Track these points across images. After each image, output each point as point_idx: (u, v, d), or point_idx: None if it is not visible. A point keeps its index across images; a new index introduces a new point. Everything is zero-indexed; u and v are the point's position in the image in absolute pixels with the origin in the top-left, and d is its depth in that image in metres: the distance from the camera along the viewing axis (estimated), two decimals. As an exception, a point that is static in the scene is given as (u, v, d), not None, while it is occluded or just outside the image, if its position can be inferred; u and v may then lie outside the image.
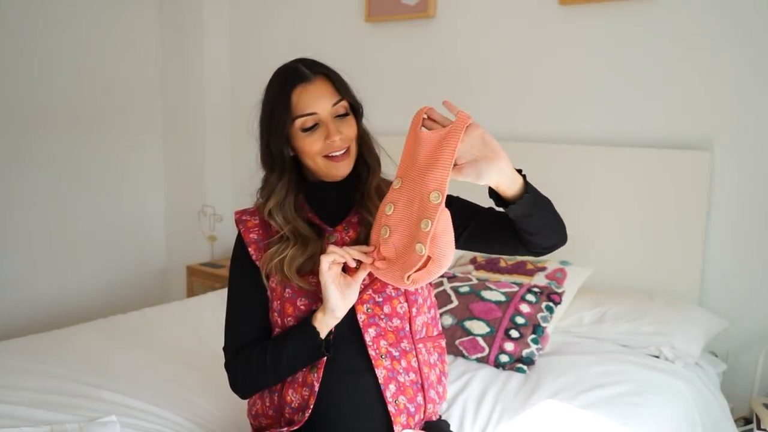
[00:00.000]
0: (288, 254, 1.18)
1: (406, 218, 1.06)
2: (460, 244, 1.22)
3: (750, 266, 2.03)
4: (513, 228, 1.13)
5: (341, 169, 1.18)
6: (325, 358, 1.17)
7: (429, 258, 1.04)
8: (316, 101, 1.16)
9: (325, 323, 1.14)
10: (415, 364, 1.22)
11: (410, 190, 1.06)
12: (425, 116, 1.07)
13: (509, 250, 1.20)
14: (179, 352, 1.89)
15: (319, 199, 1.24)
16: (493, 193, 1.09)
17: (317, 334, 1.14)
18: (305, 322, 1.16)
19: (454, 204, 1.24)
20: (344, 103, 1.18)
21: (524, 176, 1.07)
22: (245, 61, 3.32)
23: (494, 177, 1.01)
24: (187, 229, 3.42)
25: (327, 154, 1.17)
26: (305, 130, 1.16)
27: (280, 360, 1.17)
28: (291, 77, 1.18)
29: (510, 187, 1.04)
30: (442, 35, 2.61)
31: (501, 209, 1.10)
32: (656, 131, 2.16)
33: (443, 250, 1.04)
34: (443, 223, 1.03)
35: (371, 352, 1.18)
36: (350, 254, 1.11)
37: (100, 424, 1.41)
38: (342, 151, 1.17)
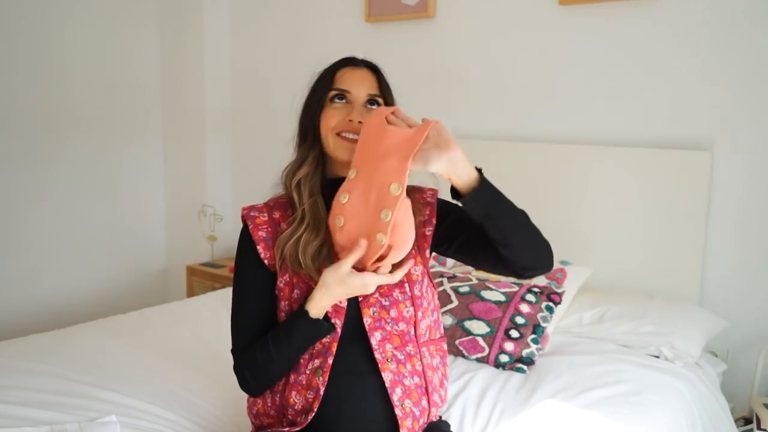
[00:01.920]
0: (302, 237, 1.17)
1: (362, 207, 1.08)
2: (450, 253, 1.26)
3: (750, 266, 2.03)
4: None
5: (348, 152, 1.17)
6: (331, 361, 1.16)
7: (390, 246, 1.07)
8: (354, 83, 1.20)
9: (319, 301, 1.14)
10: (420, 368, 1.21)
11: (366, 180, 1.08)
12: (390, 113, 1.11)
13: (493, 268, 1.20)
14: (179, 352, 1.89)
15: (333, 196, 1.22)
16: (454, 193, 1.10)
17: (319, 320, 1.14)
18: (300, 313, 1.15)
19: (451, 213, 1.25)
20: (380, 100, 1.22)
21: (482, 174, 1.09)
22: (245, 61, 3.32)
23: (442, 165, 1.04)
24: (187, 229, 3.42)
25: (340, 131, 1.18)
26: (333, 100, 1.20)
27: (285, 348, 1.16)
28: (344, 61, 1.25)
29: (463, 180, 1.06)
30: (442, 35, 2.61)
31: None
32: (656, 131, 2.16)
33: (403, 238, 1.07)
34: (403, 212, 1.06)
35: (378, 356, 1.17)
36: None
37: (100, 424, 1.41)
38: (355, 136, 1.16)
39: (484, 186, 1.07)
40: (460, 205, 1.10)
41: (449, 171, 1.05)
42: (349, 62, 1.23)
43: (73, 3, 3.04)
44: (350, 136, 1.17)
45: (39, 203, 3.02)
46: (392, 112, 1.11)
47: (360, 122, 1.16)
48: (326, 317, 1.16)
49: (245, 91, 3.33)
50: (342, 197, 1.10)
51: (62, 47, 3.03)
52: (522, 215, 1.14)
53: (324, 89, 1.21)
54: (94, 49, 3.14)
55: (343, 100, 1.20)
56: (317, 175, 1.22)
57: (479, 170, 1.09)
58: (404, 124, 1.09)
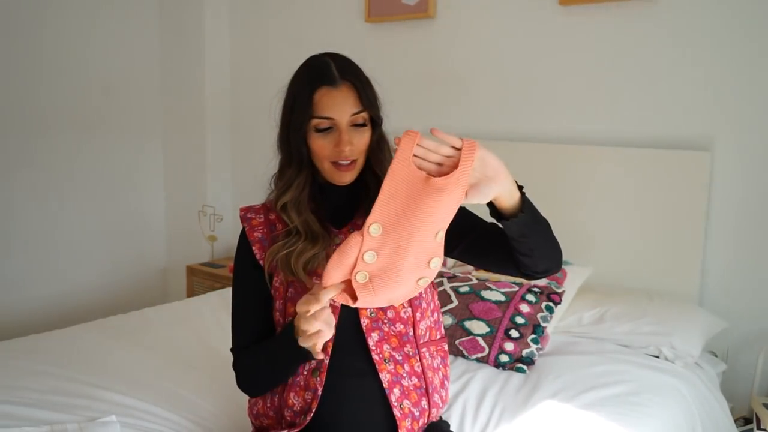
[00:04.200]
0: (297, 248, 1.17)
1: (395, 263, 0.99)
2: (454, 255, 1.22)
3: (750, 266, 2.03)
4: (509, 248, 1.11)
5: (344, 177, 1.17)
6: (328, 361, 1.17)
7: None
8: (336, 107, 1.14)
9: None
10: (419, 369, 1.21)
11: (401, 237, 0.98)
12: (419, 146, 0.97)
13: (502, 270, 1.18)
14: (179, 352, 1.89)
15: (327, 200, 1.23)
16: (490, 206, 1.07)
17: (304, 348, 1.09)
18: (290, 329, 1.12)
19: (457, 213, 1.22)
20: (364, 114, 1.16)
21: (523, 193, 1.05)
22: (245, 61, 3.32)
23: (494, 193, 1.00)
24: (187, 229, 3.43)
25: (334, 160, 1.16)
26: (318, 130, 1.15)
27: (274, 364, 1.18)
28: (318, 76, 1.15)
29: (507, 200, 1.03)
30: (442, 35, 2.61)
31: (497, 223, 1.08)
32: (656, 131, 2.16)
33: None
34: None
35: (374, 356, 1.18)
36: (324, 297, 1.01)
37: (100, 424, 1.41)
38: (348, 162, 1.16)
39: (527, 208, 1.04)
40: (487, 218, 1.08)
41: (501, 197, 1.01)
42: (326, 80, 1.14)
43: (74, 3, 3.04)
44: (344, 163, 1.15)
45: (39, 203, 3.02)
46: (418, 143, 0.96)
47: (350, 147, 1.13)
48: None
49: (245, 91, 3.33)
50: (368, 257, 0.99)
51: (62, 47, 3.02)
52: (547, 226, 1.12)
53: (304, 115, 1.14)
54: (95, 49, 3.14)
55: (328, 128, 1.15)
56: (304, 195, 1.20)
57: (521, 189, 1.05)
58: (433, 154, 0.97)
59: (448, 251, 1.21)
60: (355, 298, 1.01)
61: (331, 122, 1.14)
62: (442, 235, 0.99)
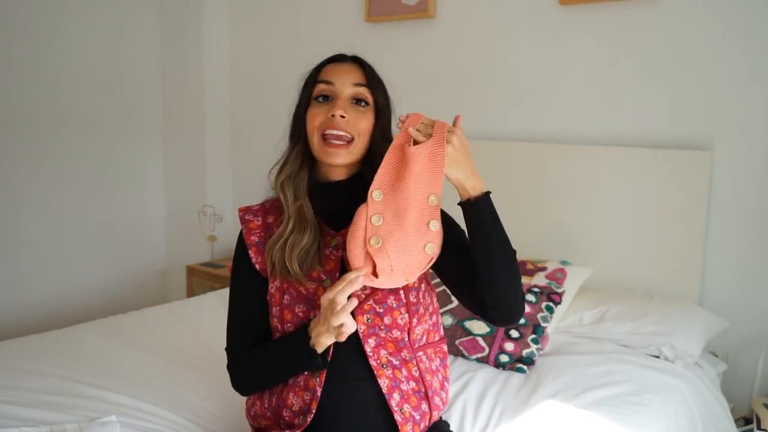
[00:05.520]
0: (288, 241, 1.16)
1: (400, 227, 1.08)
2: (435, 269, 1.20)
3: (750, 266, 2.03)
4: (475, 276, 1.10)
5: (334, 156, 1.15)
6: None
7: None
8: (338, 74, 1.18)
9: (321, 342, 1.11)
10: (416, 373, 1.20)
11: (399, 201, 1.09)
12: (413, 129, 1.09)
13: (463, 296, 1.16)
14: (179, 352, 1.89)
15: (325, 201, 1.22)
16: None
17: (313, 350, 1.11)
18: (302, 334, 1.13)
19: (451, 226, 1.20)
20: (366, 91, 1.18)
21: (488, 194, 1.10)
22: (245, 61, 3.32)
23: (461, 173, 1.07)
24: (187, 229, 3.43)
25: (324, 131, 1.14)
26: (317, 98, 1.17)
27: (277, 366, 1.18)
28: (331, 57, 1.23)
29: (466, 187, 1.08)
30: (442, 35, 2.61)
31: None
32: (656, 131, 2.16)
33: (440, 245, 1.12)
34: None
35: (372, 362, 1.17)
36: (343, 291, 1.06)
37: (100, 424, 1.41)
38: (340, 132, 1.14)
39: (488, 200, 1.09)
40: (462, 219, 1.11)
41: (460, 185, 1.08)
42: (336, 58, 1.23)
43: (73, 3, 3.04)
44: (335, 141, 1.14)
45: (39, 203, 3.02)
46: (422, 121, 1.09)
47: (342, 116, 1.14)
48: (324, 352, 1.14)
49: (245, 91, 3.33)
50: (375, 219, 1.08)
51: (62, 47, 3.02)
52: (512, 251, 1.11)
53: (309, 85, 1.20)
54: (94, 49, 3.14)
55: (328, 99, 1.17)
56: (303, 175, 1.20)
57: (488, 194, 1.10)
58: (421, 137, 1.08)
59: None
60: (376, 275, 1.08)
61: (330, 89, 1.17)
62: (434, 199, 1.08)
